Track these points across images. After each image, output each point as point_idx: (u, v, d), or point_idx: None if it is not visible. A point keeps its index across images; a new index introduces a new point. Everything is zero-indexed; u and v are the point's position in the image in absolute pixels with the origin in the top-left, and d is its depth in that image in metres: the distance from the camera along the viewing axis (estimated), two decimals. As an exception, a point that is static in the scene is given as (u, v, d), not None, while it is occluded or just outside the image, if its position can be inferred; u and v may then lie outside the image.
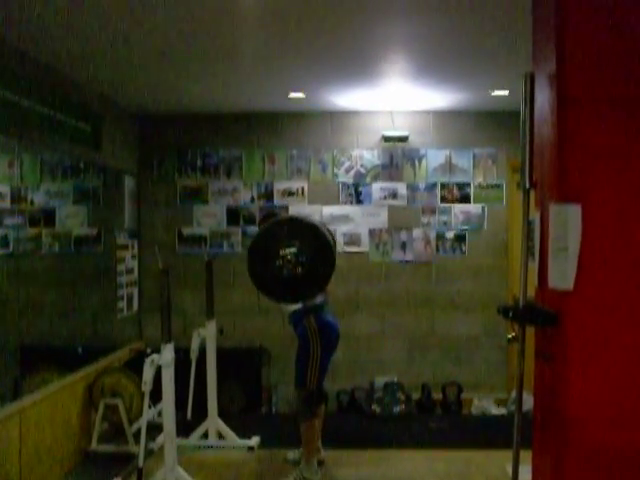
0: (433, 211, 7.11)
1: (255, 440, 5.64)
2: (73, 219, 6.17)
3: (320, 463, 5.08)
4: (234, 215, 7.19)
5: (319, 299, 4.81)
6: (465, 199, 7.10)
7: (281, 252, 4.32)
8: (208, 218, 7.22)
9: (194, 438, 5.57)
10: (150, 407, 5.20)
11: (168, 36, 4.45)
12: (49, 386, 5.05)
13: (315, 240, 4.40)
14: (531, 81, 2.56)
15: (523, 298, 2.60)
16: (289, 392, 4.95)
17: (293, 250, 4.32)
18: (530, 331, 2.58)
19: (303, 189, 7.15)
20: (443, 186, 7.11)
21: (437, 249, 7.12)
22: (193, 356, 5.50)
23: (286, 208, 7.09)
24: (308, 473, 4.83)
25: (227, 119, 7.16)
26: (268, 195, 7.16)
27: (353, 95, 6.29)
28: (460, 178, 7.10)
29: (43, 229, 5.75)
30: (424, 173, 7.11)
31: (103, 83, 5.81)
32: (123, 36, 4.44)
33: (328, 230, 5.16)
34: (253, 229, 7.11)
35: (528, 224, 2.63)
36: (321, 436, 5.16)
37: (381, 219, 7.13)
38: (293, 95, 6.26)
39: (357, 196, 7.14)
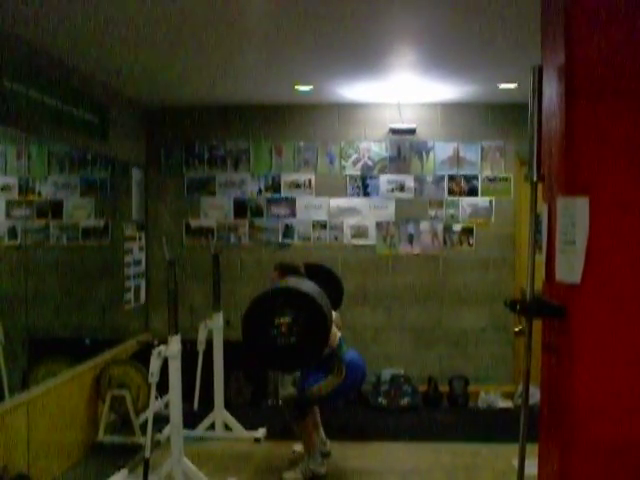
0: (440, 204, 7.09)
1: (261, 432, 5.66)
2: (81, 211, 6.19)
3: (326, 455, 5.10)
4: (241, 207, 7.19)
5: (338, 338, 4.88)
6: (473, 192, 7.08)
7: (276, 321, 4.35)
8: (215, 210, 7.22)
9: (201, 429, 5.60)
10: (157, 398, 5.21)
11: (176, 29, 4.44)
12: (57, 377, 5.07)
13: (310, 311, 4.41)
14: (539, 74, 2.55)
15: (530, 291, 2.59)
16: (291, 389, 4.99)
17: (287, 320, 4.34)
18: (537, 324, 2.57)
19: (310, 181, 7.15)
20: (451, 179, 7.09)
21: (444, 242, 7.11)
22: (200, 348, 5.51)
23: (293, 200, 7.10)
24: (314, 465, 4.85)
25: (234, 111, 7.15)
26: (275, 187, 7.16)
27: (361, 87, 6.27)
28: (468, 171, 7.08)
29: (51, 221, 5.77)
30: (432, 166, 7.10)
31: (111, 75, 5.81)
32: (130, 28, 4.43)
33: (330, 273, 5.46)
34: (260, 221, 7.13)
35: (535, 217, 2.62)
36: (327, 428, 5.18)
37: (388, 211, 7.12)
38: (300, 87, 6.24)
39: (364, 188, 7.13)
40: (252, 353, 4.58)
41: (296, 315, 4.35)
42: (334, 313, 4.85)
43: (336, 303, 5.48)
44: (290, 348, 4.37)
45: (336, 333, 4.87)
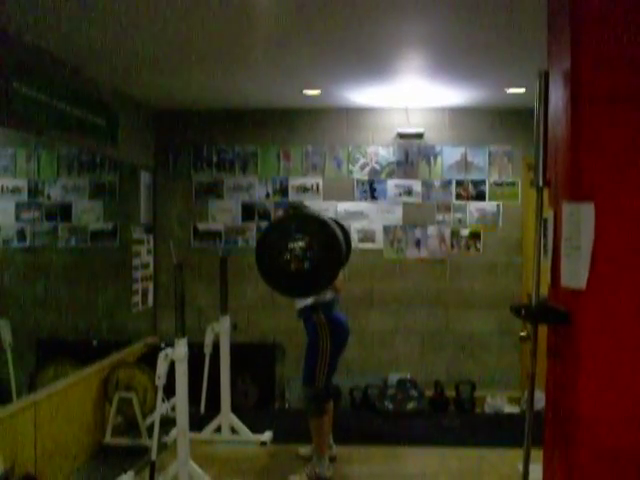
0: (448, 208, 7.09)
1: (268, 435, 5.66)
2: (89, 214, 6.21)
3: (332, 459, 5.10)
4: (249, 211, 7.21)
5: (329, 296, 4.81)
6: (480, 197, 7.08)
7: (289, 246, 4.31)
8: (223, 213, 7.24)
9: (207, 432, 5.60)
10: (164, 401, 5.23)
11: (184, 33, 4.46)
12: (64, 379, 5.09)
13: (324, 236, 4.38)
14: (546, 79, 2.55)
15: (535, 297, 2.59)
16: (301, 389, 4.97)
17: (301, 244, 4.30)
18: (543, 330, 2.57)
19: (318, 185, 7.16)
20: (458, 183, 7.09)
21: (452, 246, 7.11)
22: (207, 351, 5.52)
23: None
24: (320, 469, 4.84)
25: (242, 115, 7.17)
26: (283, 191, 7.17)
27: (368, 92, 6.28)
28: (475, 175, 7.08)
29: (59, 223, 5.79)
30: (439, 170, 7.10)
31: (119, 79, 5.83)
32: (139, 32, 4.46)
33: (342, 227, 5.16)
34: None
35: (541, 222, 2.62)
36: (333, 432, 5.17)
37: (396, 216, 7.12)
38: (308, 92, 6.26)
39: (372, 193, 7.14)
40: (265, 278, 4.54)
41: (310, 240, 4.32)
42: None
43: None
44: (303, 273, 4.33)
45: (340, 287, 4.86)
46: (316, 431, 4.86)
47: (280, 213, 5.06)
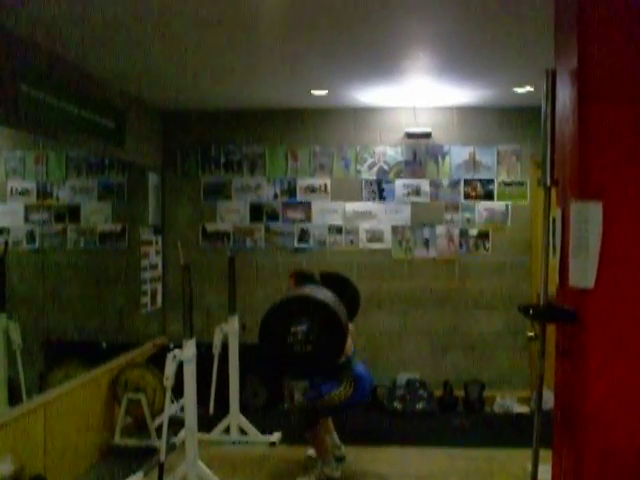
0: (456, 208, 7.07)
1: (277, 436, 5.66)
2: (98, 215, 6.23)
3: (341, 459, 5.09)
4: (257, 211, 7.21)
5: (352, 348, 4.90)
6: (489, 196, 7.06)
7: (292, 329, 4.35)
8: (231, 214, 7.24)
9: (216, 433, 5.61)
10: (172, 402, 5.23)
11: (192, 33, 4.47)
12: (73, 380, 5.10)
13: (326, 319, 4.40)
14: (552, 78, 2.55)
15: (543, 296, 2.58)
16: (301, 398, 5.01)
17: (303, 328, 4.35)
18: (551, 329, 2.56)
19: (326, 185, 7.15)
20: (467, 183, 7.07)
21: (460, 246, 7.09)
22: (215, 351, 5.52)
23: (309, 205, 7.11)
24: (328, 469, 4.85)
25: (250, 115, 7.18)
26: (291, 191, 7.17)
27: (376, 92, 6.27)
28: (484, 175, 7.06)
29: (68, 225, 5.81)
30: (447, 170, 7.08)
31: (127, 80, 5.85)
32: (147, 33, 4.47)
33: (347, 281, 5.47)
34: (276, 225, 7.14)
35: (549, 222, 2.61)
36: (342, 432, 5.18)
37: (404, 216, 7.11)
38: (316, 92, 6.26)
39: (380, 193, 7.13)
40: (268, 360, 4.59)
41: (312, 323, 4.36)
42: (350, 325, 4.85)
43: (352, 313, 5.46)
44: (305, 356, 4.37)
45: (351, 344, 4.88)
46: (312, 439, 4.94)
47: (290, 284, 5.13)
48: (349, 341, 4.75)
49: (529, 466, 2.82)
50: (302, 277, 5.15)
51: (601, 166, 2.22)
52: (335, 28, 4.36)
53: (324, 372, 4.69)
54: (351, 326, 4.94)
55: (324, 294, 4.61)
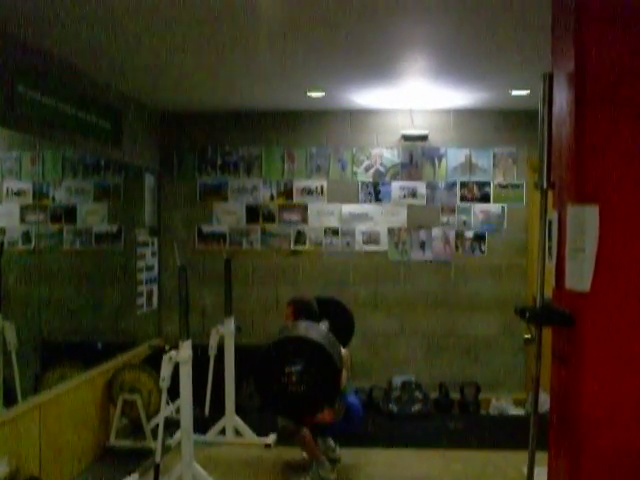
0: (453, 210, 7.08)
1: (272, 437, 5.66)
2: (94, 216, 6.22)
3: (336, 462, 5.10)
4: (254, 213, 7.21)
5: (346, 378, 4.95)
6: (485, 198, 7.07)
7: (286, 370, 4.39)
8: (228, 216, 7.24)
9: (211, 434, 5.61)
10: (168, 403, 5.22)
11: (188, 35, 4.47)
12: (69, 381, 5.09)
13: (320, 359, 4.44)
14: (550, 81, 2.55)
15: (540, 299, 2.59)
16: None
17: (298, 368, 4.39)
18: (548, 332, 2.57)
19: (322, 187, 7.16)
20: (463, 185, 7.08)
21: (456, 248, 7.10)
22: (211, 353, 5.53)
23: (305, 206, 7.11)
24: (323, 471, 4.85)
25: (247, 117, 7.18)
26: (287, 193, 7.17)
27: (373, 94, 6.27)
28: (480, 177, 7.07)
29: (64, 225, 5.79)
30: (444, 172, 7.09)
31: (124, 81, 5.84)
32: (144, 34, 4.46)
33: (342, 306, 5.53)
34: (272, 227, 7.14)
35: (545, 224, 2.62)
36: (337, 435, 5.18)
37: (400, 218, 7.12)
38: (312, 93, 6.26)
39: (376, 195, 7.13)
40: (264, 399, 4.67)
41: (306, 364, 4.41)
42: (343, 351, 4.89)
43: (346, 338, 5.52)
44: (300, 396, 4.42)
45: (346, 375, 4.92)
46: (301, 443, 5.00)
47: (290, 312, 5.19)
48: (344, 373, 4.79)
49: (525, 468, 2.83)
50: (300, 306, 5.17)
51: (598, 169, 2.22)
52: (332, 30, 4.36)
53: (319, 412, 4.72)
54: (345, 354, 4.97)
55: (318, 333, 4.66)
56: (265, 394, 4.59)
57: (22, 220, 5.29)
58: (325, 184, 7.16)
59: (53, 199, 5.66)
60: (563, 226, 2.39)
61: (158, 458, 4.20)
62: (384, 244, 7.13)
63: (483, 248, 7.07)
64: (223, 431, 5.66)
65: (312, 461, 4.96)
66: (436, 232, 7.10)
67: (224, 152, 7.23)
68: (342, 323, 5.38)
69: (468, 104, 6.72)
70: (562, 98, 2.43)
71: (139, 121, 6.67)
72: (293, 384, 4.39)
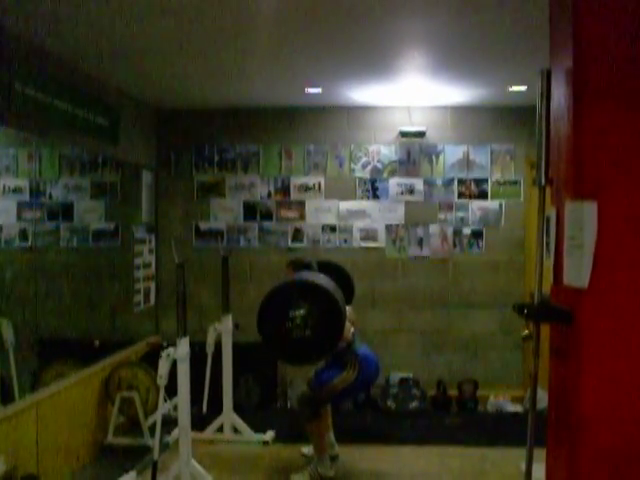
0: (450, 207, 7.08)
1: (270, 434, 5.66)
2: (91, 213, 6.20)
3: (334, 458, 5.09)
4: (251, 210, 7.21)
5: (352, 332, 4.87)
6: (483, 195, 7.07)
7: (290, 314, 4.34)
8: (225, 213, 7.24)
9: (209, 432, 5.60)
10: (166, 401, 5.23)
11: (185, 31, 4.46)
12: (66, 379, 5.08)
13: (324, 303, 4.40)
14: (548, 77, 2.54)
15: (538, 295, 2.58)
16: (303, 387, 4.98)
17: (302, 312, 4.33)
18: (546, 329, 2.56)
19: (320, 184, 7.15)
20: (460, 182, 7.08)
21: (454, 245, 7.10)
22: (209, 350, 5.52)
23: (302, 203, 7.11)
24: (322, 468, 4.84)
25: (244, 114, 7.17)
26: (285, 190, 7.17)
27: (370, 90, 6.27)
28: (478, 174, 7.07)
29: (61, 223, 5.78)
30: (441, 169, 7.09)
31: (121, 78, 5.83)
32: (141, 31, 4.45)
33: (340, 270, 5.40)
34: (270, 224, 7.14)
35: (544, 221, 2.61)
36: (336, 431, 5.17)
37: (398, 215, 7.11)
38: (310, 90, 6.25)
39: (374, 191, 7.13)
40: (268, 345, 4.56)
41: (310, 308, 4.33)
42: (348, 308, 4.83)
43: (348, 299, 5.46)
44: (304, 341, 4.34)
45: (350, 327, 4.85)
46: (312, 433, 4.88)
47: (289, 271, 5.12)
48: (348, 325, 4.73)
49: (523, 465, 2.83)
50: (299, 265, 5.14)
51: (596, 165, 2.22)
52: (329, 26, 4.35)
53: (323, 357, 4.66)
54: (350, 311, 4.92)
55: (321, 279, 4.61)
56: (269, 339, 4.48)
57: (19, 217, 5.28)
58: (322, 181, 7.15)
59: (50, 196, 5.65)
60: (561, 222, 2.39)
61: (156, 456, 4.19)
62: (382, 241, 7.13)
63: (481, 245, 7.08)
64: (221, 428, 5.66)
65: (313, 456, 4.93)
66: (434, 229, 7.10)
67: (221, 149, 7.22)
68: (343, 284, 5.32)
69: (466, 101, 6.72)
70: (560, 94, 2.42)
71: (136, 118, 6.65)
72: (297, 328, 4.32)
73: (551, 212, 2.52)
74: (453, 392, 6.93)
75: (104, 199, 6.36)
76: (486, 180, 7.06)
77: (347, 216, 7.07)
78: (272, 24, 4.36)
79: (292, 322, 4.32)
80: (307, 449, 5.25)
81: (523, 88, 6.05)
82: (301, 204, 7.14)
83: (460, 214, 7.08)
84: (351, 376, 4.79)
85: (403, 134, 7.05)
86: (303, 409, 4.86)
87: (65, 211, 5.83)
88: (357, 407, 6.88)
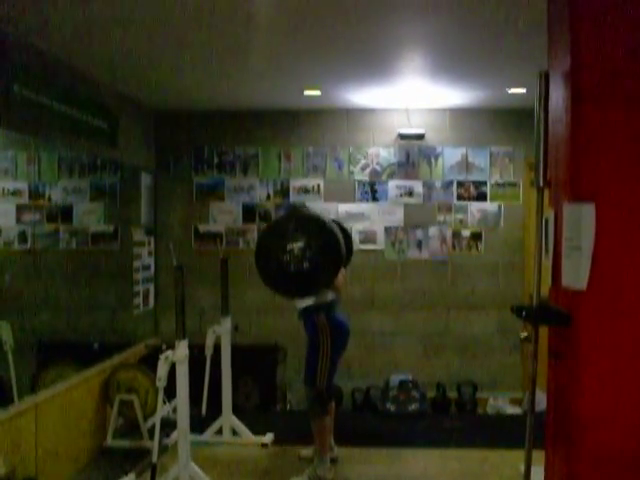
0: (449, 209, 7.09)
1: (269, 437, 5.65)
2: (90, 215, 6.21)
3: (333, 461, 5.09)
4: (250, 212, 7.21)
5: (330, 297, 4.79)
6: (481, 197, 7.07)
7: (288, 247, 4.30)
8: (224, 215, 7.24)
9: (208, 434, 5.59)
10: (165, 403, 5.23)
11: (184, 34, 4.46)
12: (65, 381, 5.08)
13: (323, 236, 4.37)
14: (546, 79, 2.55)
15: (536, 297, 2.58)
16: (303, 389, 4.97)
17: (300, 245, 4.29)
18: (544, 331, 2.56)
19: (319, 186, 7.15)
20: (459, 184, 7.08)
21: (453, 247, 7.10)
22: (208, 353, 5.51)
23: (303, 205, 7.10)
24: (321, 470, 4.83)
25: (243, 116, 7.17)
26: (284, 192, 7.17)
27: (369, 93, 6.27)
28: (476, 176, 7.07)
29: (61, 225, 5.78)
30: (440, 171, 7.09)
31: (120, 81, 5.83)
32: (139, 35, 4.46)
33: (343, 228, 5.15)
34: (269, 226, 7.13)
35: (542, 223, 2.61)
36: (335, 433, 5.16)
37: (397, 217, 7.12)
38: (309, 92, 6.25)
39: (373, 194, 7.13)
40: (264, 279, 4.54)
41: (308, 240, 4.32)
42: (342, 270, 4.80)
43: (346, 257, 5.41)
44: (302, 273, 4.33)
45: (342, 280, 4.81)
46: (319, 432, 4.86)
47: (281, 213, 5.03)
48: (341, 277, 4.71)
49: (522, 467, 2.83)
50: (295, 209, 5.12)
51: (594, 167, 2.22)
52: (328, 29, 4.35)
53: (320, 290, 4.61)
54: (343, 271, 4.89)
55: (320, 213, 4.59)
56: (266, 272, 4.46)
57: (18, 220, 5.28)
58: (322, 183, 7.15)
59: (49, 199, 5.65)
60: (560, 224, 2.39)
61: (155, 458, 4.19)
62: (381, 243, 7.13)
63: (480, 247, 7.08)
64: (220, 431, 5.65)
65: (314, 457, 4.93)
66: (433, 231, 7.10)
67: (220, 151, 7.23)
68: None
69: (464, 103, 6.72)
70: (558, 96, 2.42)
71: (135, 121, 6.66)
72: (295, 261, 4.30)
73: (549, 214, 2.52)
74: (452, 394, 6.93)
75: (103, 201, 6.36)
76: (485, 182, 7.07)
77: (346, 218, 7.07)
78: (271, 26, 4.37)
79: (290, 255, 4.30)
80: (305, 452, 5.24)
81: (522, 90, 6.06)
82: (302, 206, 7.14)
83: (459, 216, 7.08)
84: (328, 346, 4.71)
85: (402, 136, 7.06)
86: (312, 407, 4.83)
87: (64, 213, 5.83)
88: (356, 409, 6.89)
